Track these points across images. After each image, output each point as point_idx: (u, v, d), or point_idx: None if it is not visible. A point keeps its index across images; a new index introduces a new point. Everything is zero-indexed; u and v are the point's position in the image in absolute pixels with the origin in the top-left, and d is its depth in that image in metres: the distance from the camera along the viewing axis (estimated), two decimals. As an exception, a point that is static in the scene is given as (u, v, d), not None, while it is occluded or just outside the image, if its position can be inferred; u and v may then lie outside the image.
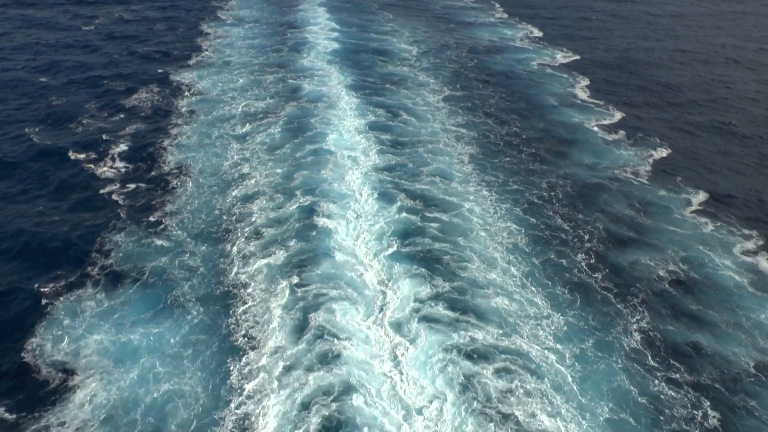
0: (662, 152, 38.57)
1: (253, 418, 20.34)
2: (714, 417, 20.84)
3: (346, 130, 41.45)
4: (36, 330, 23.79)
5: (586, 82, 50.87)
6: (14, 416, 20.41)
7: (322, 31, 66.05)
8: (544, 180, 35.70)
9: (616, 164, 37.21)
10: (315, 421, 20.22)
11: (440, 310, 25.28)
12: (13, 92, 47.38)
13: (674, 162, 37.53)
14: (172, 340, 23.61)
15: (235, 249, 28.90)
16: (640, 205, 32.88)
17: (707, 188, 34.25)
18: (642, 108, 45.73)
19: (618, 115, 44.01)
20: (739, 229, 30.59)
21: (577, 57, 57.74)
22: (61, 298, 25.48)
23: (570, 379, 22.12)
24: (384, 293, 26.05)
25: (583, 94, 48.29)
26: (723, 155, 38.62)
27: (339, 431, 19.95)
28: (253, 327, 24.24)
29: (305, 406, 20.75)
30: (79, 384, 21.47)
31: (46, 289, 26.08)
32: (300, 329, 24.03)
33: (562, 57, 57.90)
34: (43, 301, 25.41)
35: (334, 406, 20.76)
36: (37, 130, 41.12)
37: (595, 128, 42.18)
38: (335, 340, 23.46)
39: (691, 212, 32.10)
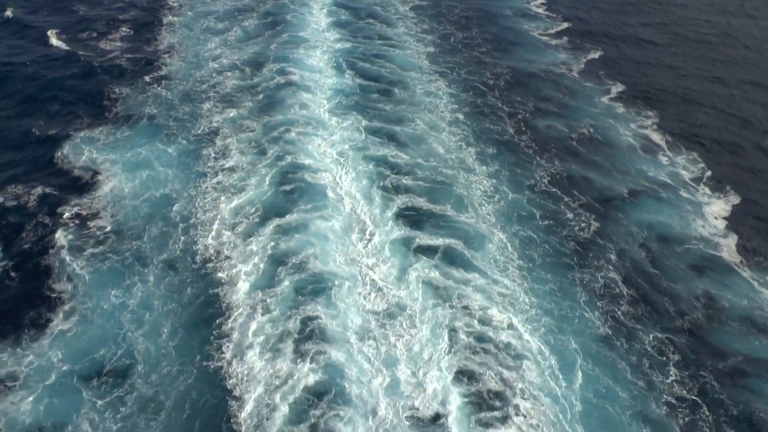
0: (594, 55, 44.21)
1: (216, 204, 26.46)
2: (594, 225, 27.11)
3: (317, 24, 46.45)
4: (63, 147, 29.70)
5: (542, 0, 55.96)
6: (62, 194, 26.69)
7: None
8: (489, 71, 41.20)
9: (553, 62, 42.82)
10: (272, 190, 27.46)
11: (379, 140, 31.74)
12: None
13: (603, 63, 43.24)
14: (164, 160, 29.55)
15: (211, 104, 34.74)
16: (567, 90, 38.71)
17: (625, 82, 40.11)
18: (585, 25, 50.87)
19: (564, 26, 49.36)
20: (643, 111, 36.61)
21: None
22: (81, 132, 31.26)
23: (484, 203, 28.03)
24: (337, 124, 32.92)
25: (536, 9, 53.41)
26: (645, 63, 44.38)
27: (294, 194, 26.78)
28: (225, 155, 30.15)
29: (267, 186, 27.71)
30: (101, 180, 27.53)
31: (67, 124, 31.70)
32: (262, 153, 30.24)
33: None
34: (65, 132, 31.05)
35: (288, 186, 27.71)
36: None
37: (541, 35, 47.57)
38: (293, 157, 29.79)
39: (608, 98, 38.00)
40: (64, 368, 18.80)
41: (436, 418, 18.53)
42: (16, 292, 21.66)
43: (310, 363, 19.45)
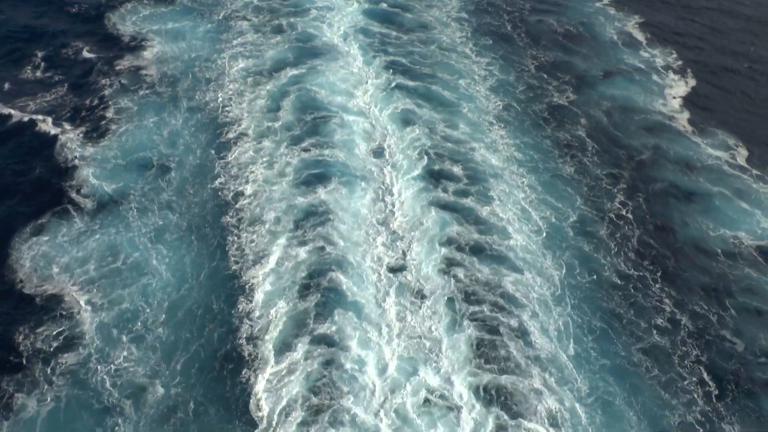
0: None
1: (234, 64, 30.65)
2: (570, 96, 31.06)
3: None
4: (111, 17, 34.75)
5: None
6: (115, 52, 31.86)
7: None
8: None
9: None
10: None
11: (386, 22, 36.47)
12: None
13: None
14: (196, 33, 34.71)
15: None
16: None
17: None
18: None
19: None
20: (630, 15, 39.81)
21: None
22: (127, 5, 35.91)
23: (475, 82, 31.85)
24: (348, 7, 37.50)
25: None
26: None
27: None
28: (244, 32, 34.73)
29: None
30: (147, 44, 32.43)
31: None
32: (278, 29, 34.84)
33: None
34: (112, 3, 35.74)
35: (297, 50, 32.44)
36: None
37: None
38: (303, 27, 34.74)
39: (601, 4, 41.21)
40: (119, 160, 24.26)
41: (411, 230, 22.93)
42: (85, 109, 27.36)
43: (305, 153, 25.27)
